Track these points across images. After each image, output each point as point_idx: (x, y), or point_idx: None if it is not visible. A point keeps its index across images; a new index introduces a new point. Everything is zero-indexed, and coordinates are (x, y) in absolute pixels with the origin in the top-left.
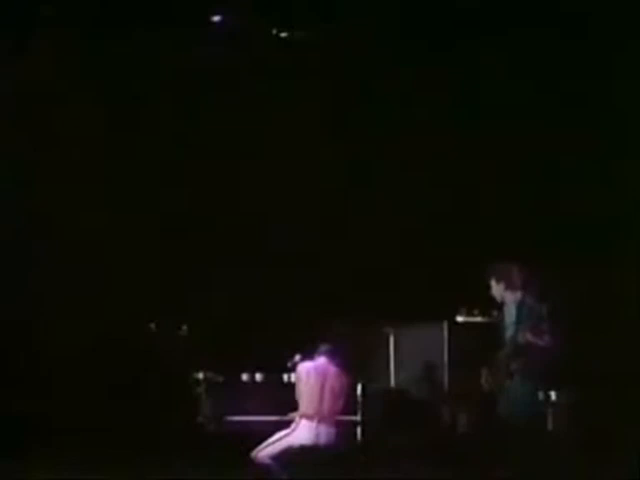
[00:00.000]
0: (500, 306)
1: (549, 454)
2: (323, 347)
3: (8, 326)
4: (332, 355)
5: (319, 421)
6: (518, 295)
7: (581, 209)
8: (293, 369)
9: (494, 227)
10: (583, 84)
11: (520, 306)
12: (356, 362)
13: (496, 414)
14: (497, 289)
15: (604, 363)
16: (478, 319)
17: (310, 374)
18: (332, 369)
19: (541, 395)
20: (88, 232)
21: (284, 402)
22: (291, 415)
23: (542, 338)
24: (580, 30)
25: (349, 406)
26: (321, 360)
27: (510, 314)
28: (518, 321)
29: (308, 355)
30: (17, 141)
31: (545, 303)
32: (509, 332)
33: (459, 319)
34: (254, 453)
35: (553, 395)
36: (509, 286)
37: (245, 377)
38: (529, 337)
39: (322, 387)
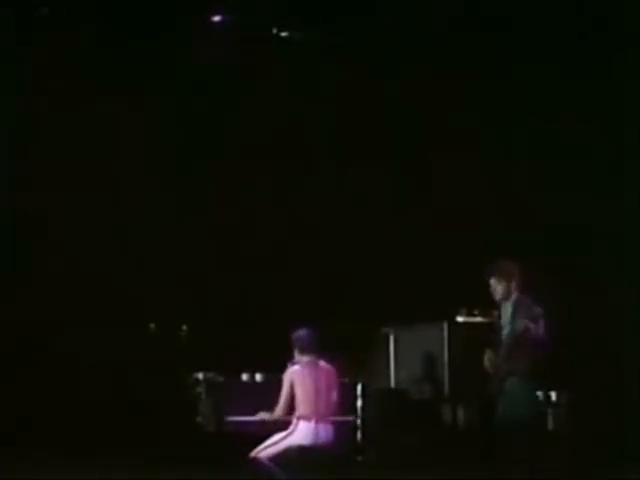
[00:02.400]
0: (499, 306)
1: (549, 454)
2: (299, 341)
3: (8, 326)
4: (311, 348)
5: (317, 421)
6: (515, 295)
7: (579, 211)
8: None
9: (494, 227)
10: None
11: (516, 304)
12: (356, 362)
13: (496, 414)
14: (496, 288)
15: (603, 363)
16: (478, 319)
17: (304, 376)
18: (321, 366)
19: (541, 395)
20: (89, 232)
21: None
22: (261, 414)
23: (537, 330)
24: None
25: (349, 406)
26: (307, 360)
27: (506, 313)
28: (513, 318)
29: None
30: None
31: (541, 304)
32: (505, 330)
33: (459, 319)
34: (253, 453)
35: (553, 395)
36: (509, 284)
37: (245, 377)
38: (526, 323)
39: (316, 386)
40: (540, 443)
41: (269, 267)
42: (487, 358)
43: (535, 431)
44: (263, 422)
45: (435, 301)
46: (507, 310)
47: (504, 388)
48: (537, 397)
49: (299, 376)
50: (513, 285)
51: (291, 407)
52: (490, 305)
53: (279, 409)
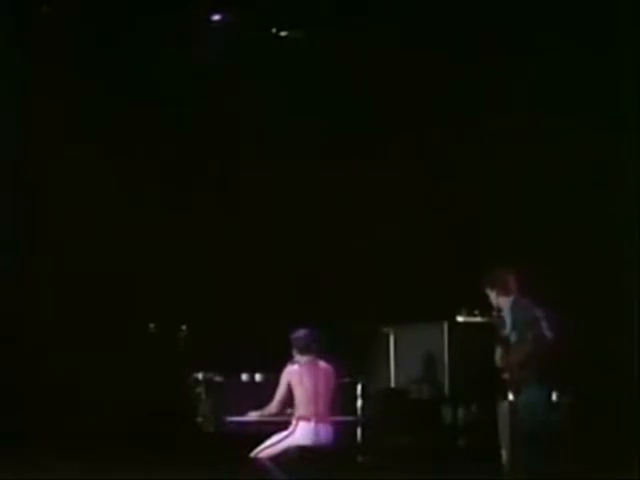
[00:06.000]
0: (498, 310)
1: (550, 455)
2: (298, 341)
3: (8, 326)
4: (310, 348)
5: (317, 421)
6: (511, 300)
7: (579, 210)
8: None
9: (494, 227)
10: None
11: (513, 309)
12: (356, 362)
13: (511, 420)
14: (493, 297)
15: (603, 363)
16: (478, 319)
17: (302, 376)
18: (320, 366)
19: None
20: (89, 232)
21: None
22: (252, 414)
23: (540, 331)
24: None
25: (349, 406)
26: (306, 360)
27: (509, 321)
28: (514, 325)
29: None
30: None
31: (538, 306)
32: (512, 338)
33: (459, 319)
34: (253, 454)
35: (553, 395)
36: (503, 292)
37: (245, 377)
38: (532, 337)
39: (315, 387)
40: (547, 445)
41: (268, 267)
42: (498, 356)
43: (549, 434)
44: (263, 422)
45: (435, 301)
46: (507, 317)
47: (522, 392)
48: (551, 400)
49: (296, 376)
50: (507, 293)
51: (284, 406)
52: (490, 305)
53: (272, 406)
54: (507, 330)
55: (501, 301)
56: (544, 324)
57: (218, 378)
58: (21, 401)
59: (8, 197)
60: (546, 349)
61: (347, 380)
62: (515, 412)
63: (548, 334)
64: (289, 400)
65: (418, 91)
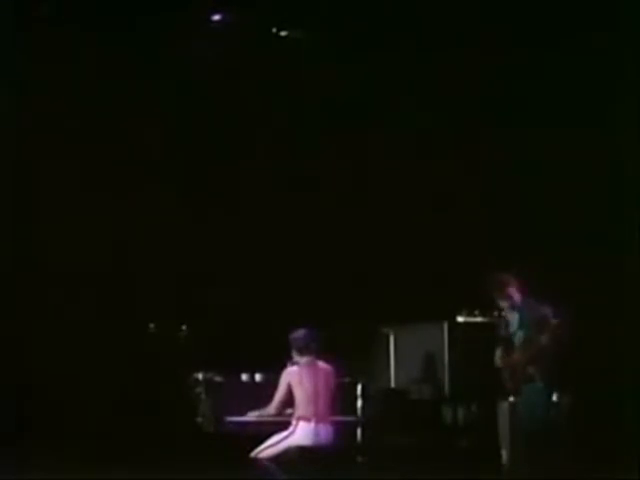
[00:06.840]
0: (500, 310)
1: (550, 454)
2: (297, 342)
3: (7, 325)
4: (309, 349)
5: (317, 421)
6: (519, 299)
7: (580, 210)
8: None
9: (494, 227)
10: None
11: (522, 308)
12: (356, 362)
13: (511, 418)
14: (497, 300)
15: (603, 363)
16: (478, 319)
17: (302, 377)
18: (320, 367)
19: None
20: (89, 231)
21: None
22: (251, 414)
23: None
24: None
25: (349, 406)
26: (306, 360)
27: (514, 319)
28: (521, 324)
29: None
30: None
31: (544, 304)
32: (517, 337)
33: (459, 319)
34: (253, 454)
35: (554, 395)
36: (510, 292)
37: (245, 377)
38: (547, 337)
39: (315, 387)
40: (548, 444)
41: (269, 267)
42: (498, 356)
43: (551, 433)
44: (263, 422)
45: (435, 301)
46: (514, 316)
47: (523, 391)
48: (552, 399)
49: (296, 377)
50: (511, 295)
51: (284, 407)
52: (490, 305)
53: (272, 407)
54: (513, 329)
55: (508, 299)
56: (554, 322)
57: (218, 378)
58: (21, 401)
59: (8, 197)
60: (558, 347)
61: (347, 380)
62: (515, 412)
63: (561, 332)
64: (289, 401)
65: (418, 90)
